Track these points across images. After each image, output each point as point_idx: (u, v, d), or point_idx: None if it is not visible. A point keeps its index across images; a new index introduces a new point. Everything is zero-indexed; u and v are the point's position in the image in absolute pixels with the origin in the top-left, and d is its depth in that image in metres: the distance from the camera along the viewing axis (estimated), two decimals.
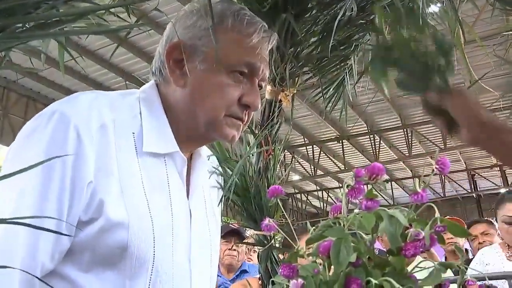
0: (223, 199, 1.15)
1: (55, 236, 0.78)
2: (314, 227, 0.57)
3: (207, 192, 1.07)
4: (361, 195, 0.55)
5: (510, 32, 2.28)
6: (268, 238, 1.58)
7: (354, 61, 1.89)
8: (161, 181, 0.92)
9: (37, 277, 0.77)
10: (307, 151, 12.78)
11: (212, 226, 1.05)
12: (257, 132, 1.60)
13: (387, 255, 0.54)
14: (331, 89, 1.95)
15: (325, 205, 17.51)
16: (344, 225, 0.54)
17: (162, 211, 0.89)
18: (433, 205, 0.56)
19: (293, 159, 12.70)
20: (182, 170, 0.96)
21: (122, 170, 0.85)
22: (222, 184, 1.19)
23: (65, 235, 0.80)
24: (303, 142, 12.31)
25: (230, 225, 3.73)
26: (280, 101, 1.65)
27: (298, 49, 1.68)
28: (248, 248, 3.87)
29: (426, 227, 0.53)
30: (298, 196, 17.41)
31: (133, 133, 0.91)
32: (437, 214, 0.54)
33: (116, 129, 0.87)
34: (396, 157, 13.22)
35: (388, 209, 0.53)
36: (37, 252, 0.77)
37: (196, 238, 0.97)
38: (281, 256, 1.62)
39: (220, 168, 1.22)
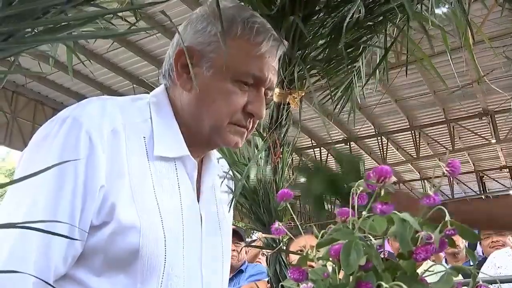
0: (232, 202, 1.15)
1: (67, 240, 0.79)
2: (323, 231, 0.56)
3: (218, 196, 1.07)
4: (366, 199, 0.55)
5: None
6: (277, 241, 1.58)
7: (362, 63, 1.89)
8: (171, 185, 0.92)
9: (49, 284, 0.77)
10: (314, 153, 12.74)
11: (224, 230, 1.05)
12: (265, 135, 1.59)
13: (398, 259, 0.53)
14: (339, 92, 1.94)
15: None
16: (354, 228, 0.53)
17: (173, 215, 0.90)
18: (443, 208, 0.55)
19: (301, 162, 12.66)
20: (192, 174, 0.96)
21: (133, 174, 0.86)
22: (233, 188, 1.19)
23: (77, 239, 0.80)
24: (311, 145, 12.28)
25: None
26: (288, 103, 1.64)
27: (306, 51, 1.67)
28: (248, 250, 3.87)
29: (436, 231, 0.52)
30: None
31: (144, 137, 0.91)
32: (447, 217, 0.53)
33: (127, 134, 0.88)
34: (404, 159, 13.15)
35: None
36: (50, 256, 0.78)
37: (207, 242, 0.97)
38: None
39: (230, 172, 1.22)
